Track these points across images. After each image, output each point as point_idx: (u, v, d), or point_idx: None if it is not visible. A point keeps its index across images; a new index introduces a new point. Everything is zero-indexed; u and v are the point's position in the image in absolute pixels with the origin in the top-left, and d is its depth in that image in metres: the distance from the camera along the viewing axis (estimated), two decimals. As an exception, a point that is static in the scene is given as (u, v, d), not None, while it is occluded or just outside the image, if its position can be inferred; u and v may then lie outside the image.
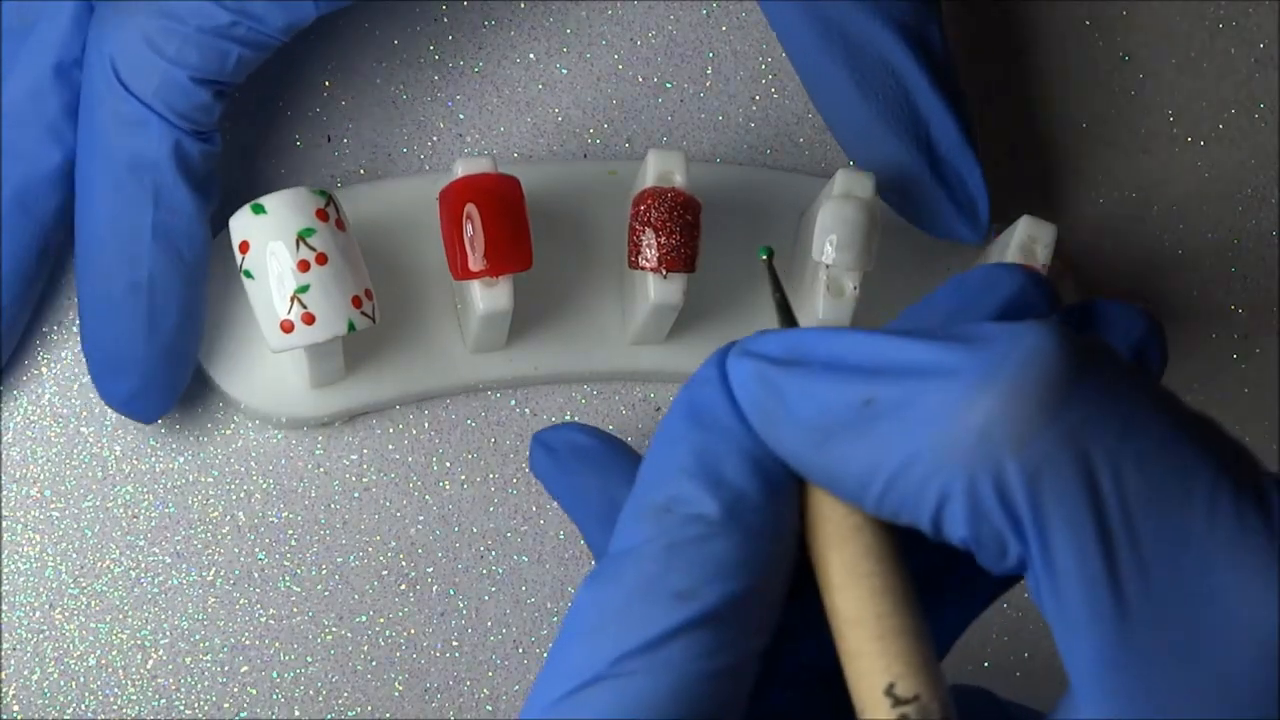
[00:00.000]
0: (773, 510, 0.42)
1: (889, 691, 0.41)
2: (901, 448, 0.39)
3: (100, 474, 0.61)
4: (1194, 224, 0.65)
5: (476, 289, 0.56)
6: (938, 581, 0.45)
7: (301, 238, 0.55)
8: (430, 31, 0.63)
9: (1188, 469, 0.39)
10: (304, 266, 0.55)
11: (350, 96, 0.63)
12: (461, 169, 0.56)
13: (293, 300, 0.55)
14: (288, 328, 0.55)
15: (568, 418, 0.62)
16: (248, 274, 0.55)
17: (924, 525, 0.40)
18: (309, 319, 0.55)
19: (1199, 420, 0.40)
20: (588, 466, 0.55)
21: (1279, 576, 0.38)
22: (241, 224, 0.55)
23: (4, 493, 0.61)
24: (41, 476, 0.61)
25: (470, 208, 0.56)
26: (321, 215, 0.55)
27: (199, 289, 0.58)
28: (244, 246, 0.55)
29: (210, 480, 0.61)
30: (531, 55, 0.64)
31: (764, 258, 0.48)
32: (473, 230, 0.56)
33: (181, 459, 0.61)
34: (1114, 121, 0.65)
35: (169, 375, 0.58)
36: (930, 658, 0.41)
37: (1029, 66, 0.65)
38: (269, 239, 0.55)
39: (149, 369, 0.58)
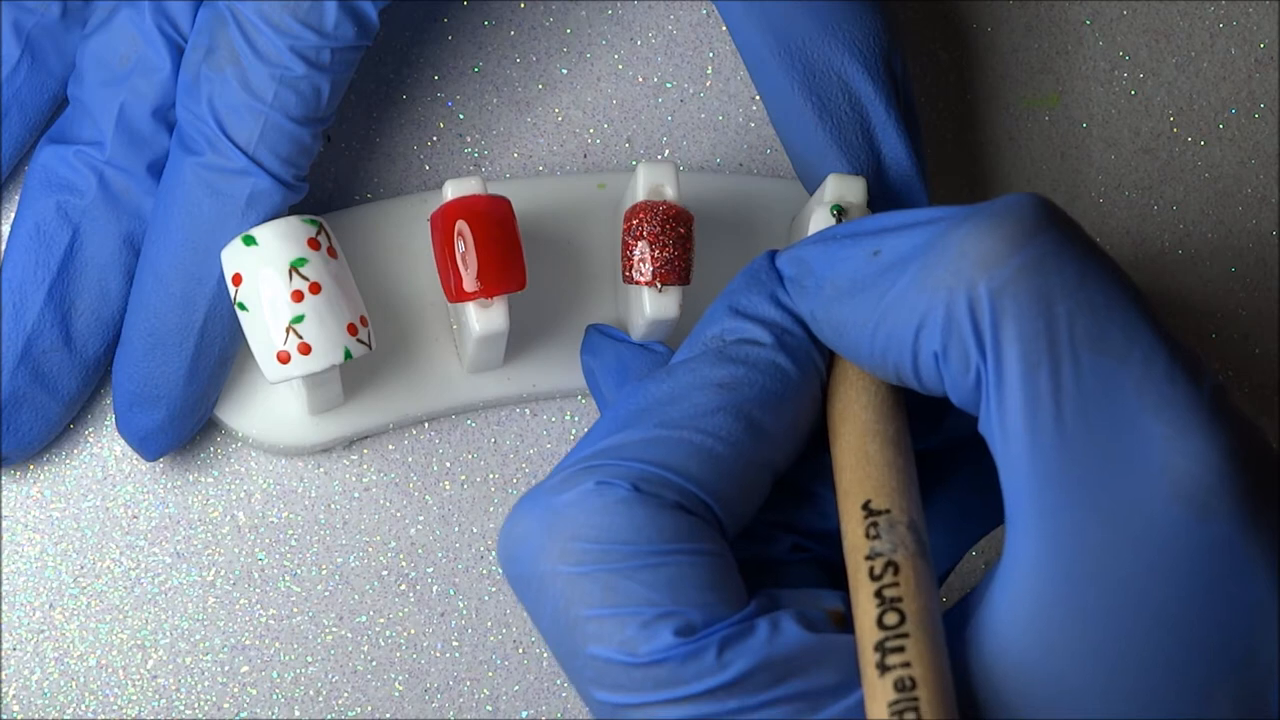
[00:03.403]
0: (808, 349, 0.49)
1: (864, 506, 0.46)
2: (894, 283, 0.46)
3: (100, 474, 0.61)
4: (1194, 224, 0.65)
5: (472, 310, 0.56)
6: (943, 500, 0.51)
7: (294, 268, 0.55)
8: (430, 31, 0.63)
9: (1132, 323, 0.44)
10: (298, 296, 0.55)
11: (350, 97, 0.62)
12: (451, 191, 0.56)
13: (288, 331, 0.55)
14: (284, 359, 0.55)
15: (568, 418, 0.62)
16: (241, 306, 0.55)
17: (906, 355, 0.46)
18: (305, 349, 0.55)
19: (1149, 302, 0.45)
20: (647, 365, 0.57)
21: (1197, 433, 0.44)
22: (233, 256, 0.55)
23: (4, 493, 0.61)
24: (41, 476, 0.61)
25: (462, 229, 0.55)
26: (313, 244, 0.55)
27: (240, 340, 0.58)
28: (237, 279, 0.55)
29: (210, 480, 0.61)
30: (532, 55, 0.64)
31: (834, 214, 0.56)
32: (465, 252, 0.55)
33: (181, 459, 0.61)
34: (1114, 121, 0.65)
35: (190, 419, 0.59)
36: (907, 486, 0.47)
37: (1028, 65, 0.65)
38: (261, 270, 0.55)
39: (176, 409, 0.58)
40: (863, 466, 0.47)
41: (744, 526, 0.48)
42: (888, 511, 0.46)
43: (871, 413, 0.48)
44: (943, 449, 0.51)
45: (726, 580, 0.46)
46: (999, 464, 0.45)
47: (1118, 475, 0.44)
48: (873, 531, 0.46)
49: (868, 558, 0.45)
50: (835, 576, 0.49)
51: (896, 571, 0.45)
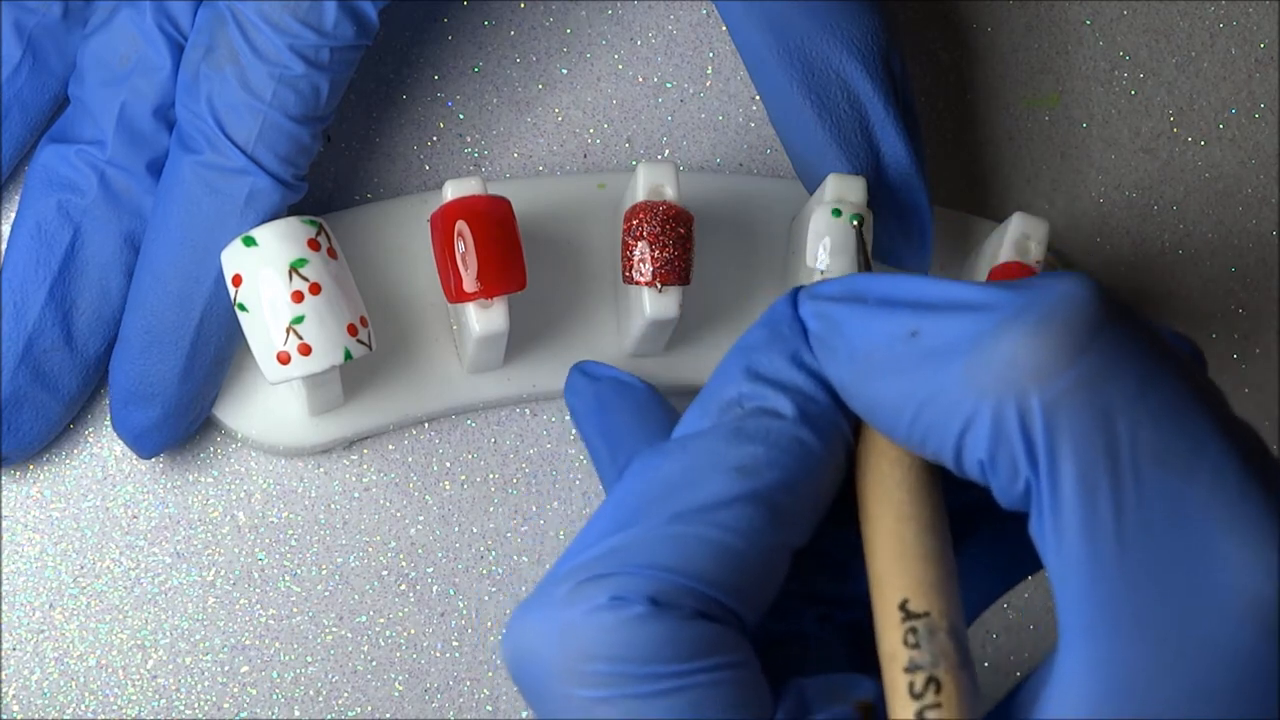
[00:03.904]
0: (833, 419, 0.45)
1: (902, 606, 0.43)
2: (936, 374, 0.42)
3: (100, 474, 0.61)
4: (1194, 224, 0.65)
5: (472, 311, 0.56)
6: (968, 553, 0.48)
7: (294, 268, 0.55)
8: (430, 31, 0.63)
9: (1199, 434, 0.41)
10: (298, 297, 0.55)
11: (350, 97, 0.62)
12: (451, 191, 0.56)
13: (288, 332, 0.55)
14: (284, 359, 0.55)
15: (567, 418, 0.62)
16: (241, 307, 0.55)
17: (948, 451, 0.43)
18: (305, 350, 0.55)
19: (1215, 394, 0.42)
20: (626, 403, 0.57)
21: (1273, 549, 0.41)
22: (233, 257, 0.55)
23: (4, 493, 0.61)
24: (41, 476, 0.61)
25: (462, 229, 0.55)
26: (313, 245, 0.55)
27: (237, 340, 0.58)
28: (237, 280, 0.55)
29: (210, 480, 0.61)
30: (532, 55, 0.64)
31: (854, 224, 0.55)
32: (465, 252, 0.55)
33: (181, 459, 0.61)
34: (1114, 121, 0.65)
35: (185, 417, 0.59)
36: (946, 581, 0.44)
37: (1028, 65, 0.65)
38: (261, 271, 0.55)
39: (171, 408, 0.58)
40: (899, 558, 0.44)
41: (766, 610, 0.46)
42: (926, 615, 0.43)
43: (906, 492, 0.45)
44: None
45: (750, 694, 0.44)
46: (1050, 575, 0.42)
47: (1184, 600, 0.41)
48: (911, 639, 0.43)
49: (907, 670, 0.43)
50: (864, 642, 0.47)
51: (939, 690, 0.43)
